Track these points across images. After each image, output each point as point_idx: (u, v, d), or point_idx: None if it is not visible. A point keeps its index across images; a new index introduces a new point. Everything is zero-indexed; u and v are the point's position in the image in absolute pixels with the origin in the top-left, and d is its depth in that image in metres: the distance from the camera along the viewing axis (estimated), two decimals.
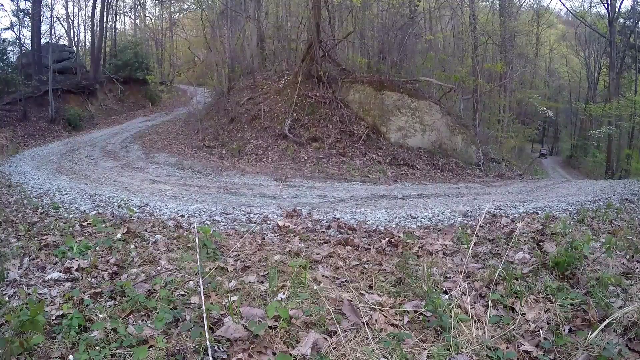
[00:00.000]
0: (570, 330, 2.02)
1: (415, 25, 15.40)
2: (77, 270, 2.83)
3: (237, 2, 19.31)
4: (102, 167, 10.09)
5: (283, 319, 1.99)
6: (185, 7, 29.56)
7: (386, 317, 2.13)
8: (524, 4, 26.86)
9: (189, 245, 3.53)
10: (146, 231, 4.05)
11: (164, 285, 2.53)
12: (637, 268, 2.71)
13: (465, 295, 2.26)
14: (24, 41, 17.93)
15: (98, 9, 20.75)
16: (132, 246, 3.48)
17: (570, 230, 3.91)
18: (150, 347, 1.86)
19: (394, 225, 4.82)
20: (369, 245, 3.71)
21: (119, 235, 3.74)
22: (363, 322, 2.03)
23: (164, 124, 17.27)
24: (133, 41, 24.60)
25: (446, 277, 2.75)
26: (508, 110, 21.80)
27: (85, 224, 4.31)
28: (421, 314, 2.18)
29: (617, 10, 20.10)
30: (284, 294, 2.38)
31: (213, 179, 9.21)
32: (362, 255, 3.34)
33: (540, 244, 3.39)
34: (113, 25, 25.61)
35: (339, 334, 1.95)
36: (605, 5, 20.19)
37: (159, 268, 2.90)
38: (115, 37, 25.22)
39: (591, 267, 2.70)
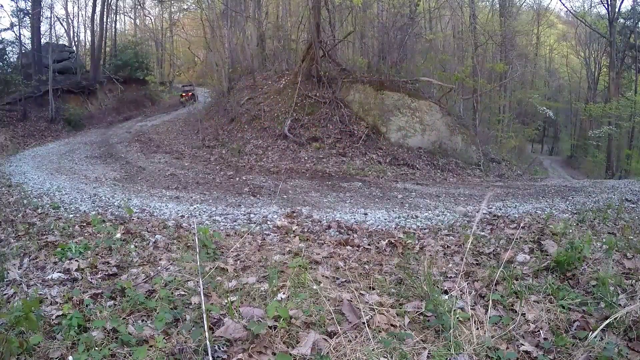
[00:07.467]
0: (570, 330, 2.02)
1: (415, 25, 15.36)
2: (77, 270, 2.83)
3: (237, 2, 19.28)
4: (102, 167, 10.09)
5: (283, 319, 1.99)
6: (185, 7, 29.51)
7: (386, 317, 2.13)
8: (524, 4, 26.85)
9: (189, 245, 3.53)
10: (146, 231, 4.05)
11: (164, 285, 2.52)
12: (638, 268, 2.71)
13: (465, 295, 2.26)
14: (24, 41, 17.94)
15: (98, 9, 20.77)
16: (132, 246, 3.47)
17: (570, 230, 3.91)
18: (150, 347, 1.86)
19: (394, 226, 4.82)
20: (369, 245, 3.71)
21: (118, 235, 3.74)
22: (363, 322, 2.02)
23: (164, 124, 17.26)
24: (133, 41, 24.60)
25: (446, 277, 2.75)
26: (508, 110, 21.77)
27: (85, 224, 4.31)
28: (421, 314, 2.18)
29: (617, 10, 20.08)
30: (284, 294, 2.38)
31: None
32: (362, 255, 3.33)
33: (541, 244, 3.39)
34: (113, 25, 25.63)
35: (339, 334, 1.94)
36: (605, 5, 20.18)
37: (159, 268, 2.90)
38: (115, 37, 25.21)
39: (591, 267, 2.70)
